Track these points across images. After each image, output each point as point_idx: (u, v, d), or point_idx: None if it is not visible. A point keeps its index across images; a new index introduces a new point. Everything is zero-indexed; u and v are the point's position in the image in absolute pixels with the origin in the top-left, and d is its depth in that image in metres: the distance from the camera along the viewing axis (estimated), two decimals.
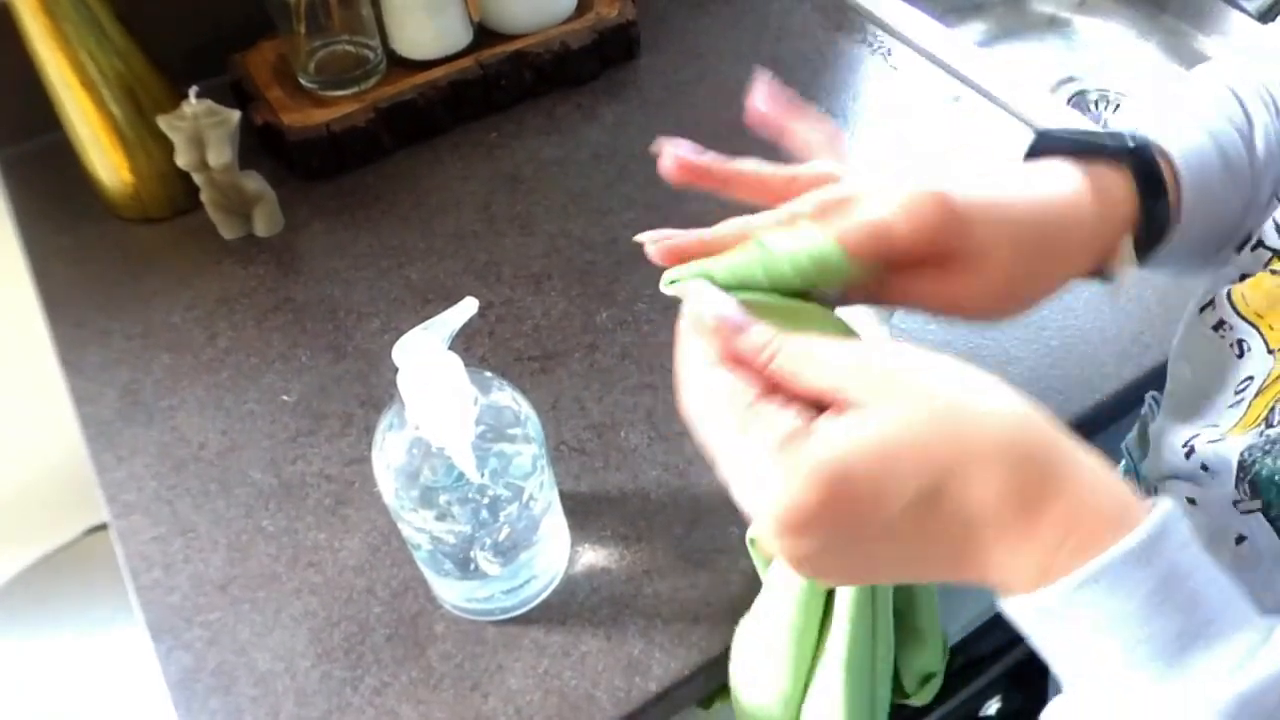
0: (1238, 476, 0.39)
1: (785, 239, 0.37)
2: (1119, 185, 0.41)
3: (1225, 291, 0.46)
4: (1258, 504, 0.38)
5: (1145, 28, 1.14)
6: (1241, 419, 0.43)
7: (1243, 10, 1.05)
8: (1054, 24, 1.18)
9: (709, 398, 0.34)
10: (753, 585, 0.56)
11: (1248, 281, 0.45)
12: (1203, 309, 0.48)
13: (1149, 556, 0.29)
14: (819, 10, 0.98)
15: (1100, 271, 0.43)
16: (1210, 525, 0.43)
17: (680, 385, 0.37)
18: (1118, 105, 1.09)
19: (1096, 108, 1.09)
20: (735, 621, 0.55)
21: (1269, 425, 0.40)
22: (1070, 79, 1.12)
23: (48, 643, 1.13)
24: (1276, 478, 0.37)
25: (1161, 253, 0.44)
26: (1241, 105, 0.46)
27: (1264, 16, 0.97)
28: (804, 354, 0.33)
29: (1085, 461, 0.31)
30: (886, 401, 0.31)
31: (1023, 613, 0.31)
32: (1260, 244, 0.47)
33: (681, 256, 0.40)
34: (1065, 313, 0.70)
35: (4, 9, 0.70)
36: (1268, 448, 0.38)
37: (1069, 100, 1.09)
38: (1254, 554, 0.40)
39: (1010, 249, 0.38)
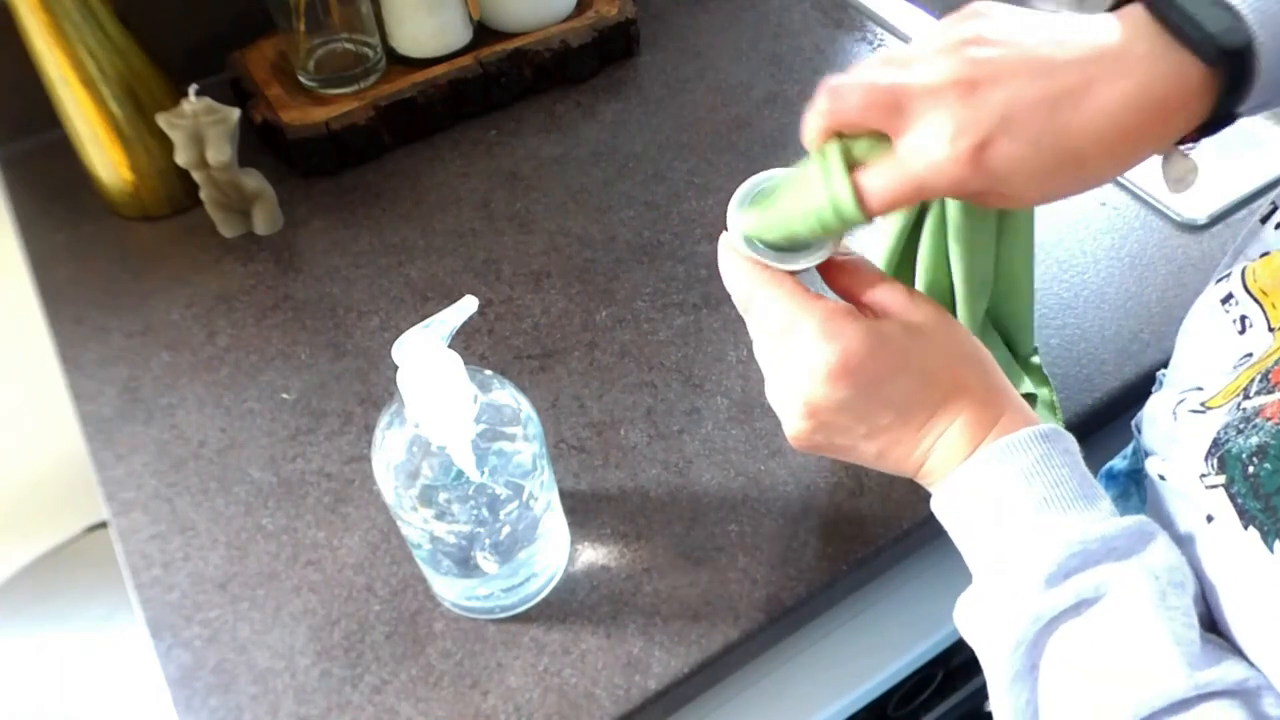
0: (1209, 451, 0.40)
1: (818, 189, 0.42)
2: (1200, 86, 0.38)
3: (1241, 268, 0.47)
4: (1221, 479, 0.38)
5: None
6: (1225, 388, 0.43)
7: None
8: None
9: (777, 285, 0.44)
10: (751, 584, 0.57)
11: (1262, 259, 0.46)
12: (1218, 281, 0.48)
13: (1055, 437, 0.42)
14: (818, 8, 0.98)
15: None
16: (1177, 499, 0.44)
17: (745, 282, 0.45)
18: None
19: None
20: (735, 619, 0.55)
21: (1246, 397, 0.40)
22: None
23: (47, 640, 1.13)
24: (1243, 456, 0.37)
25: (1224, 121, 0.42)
26: None
27: None
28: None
29: (1009, 384, 0.45)
30: (915, 312, 0.44)
31: (972, 473, 0.42)
32: None
33: None
34: (1065, 312, 0.70)
35: (3, 7, 0.70)
36: (1241, 426, 0.39)
37: None
38: (1221, 531, 0.40)
39: (1037, 186, 0.40)
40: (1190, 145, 0.42)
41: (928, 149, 0.39)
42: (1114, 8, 0.41)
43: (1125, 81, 0.37)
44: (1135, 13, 0.39)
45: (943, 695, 0.73)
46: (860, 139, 0.42)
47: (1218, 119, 0.40)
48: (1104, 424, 0.66)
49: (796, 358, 0.43)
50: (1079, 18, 0.40)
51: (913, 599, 0.63)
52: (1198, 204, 0.75)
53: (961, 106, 0.38)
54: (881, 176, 0.41)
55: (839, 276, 0.46)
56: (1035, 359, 0.63)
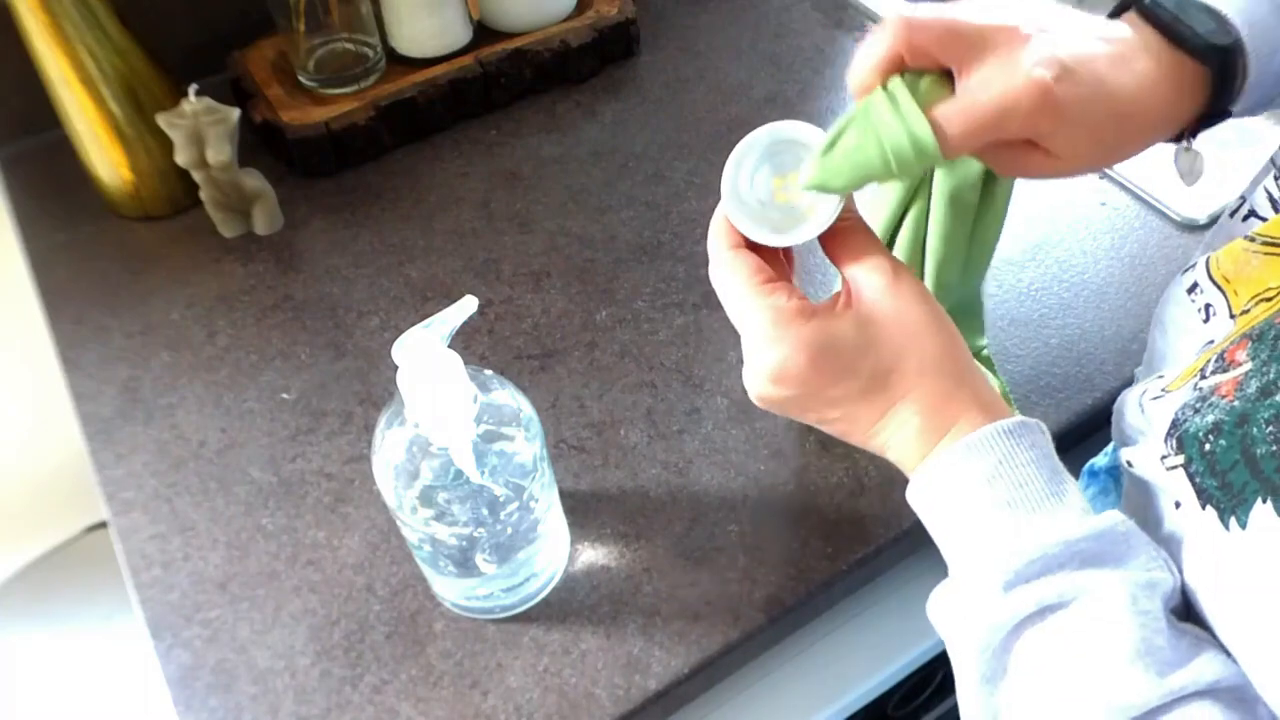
0: (1168, 432, 0.40)
1: (893, 125, 0.41)
2: (1195, 82, 0.43)
3: (1206, 257, 0.47)
4: (1180, 459, 0.39)
5: None
6: (1184, 371, 0.44)
7: None
8: None
9: (733, 272, 0.44)
10: (751, 584, 0.57)
11: (1225, 247, 0.47)
12: (1185, 272, 0.49)
13: (1021, 431, 0.41)
14: (818, 8, 0.98)
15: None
16: (1145, 486, 0.44)
17: (711, 261, 0.45)
18: None
19: None
20: (735, 619, 0.55)
21: (1202, 377, 0.41)
22: None
23: (48, 640, 1.13)
24: (1199, 434, 0.38)
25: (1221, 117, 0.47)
26: None
27: None
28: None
29: (980, 379, 0.43)
30: (876, 305, 0.42)
31: (932, 476, 0.42)
32: (1253, 214, 0.47)
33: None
34: (1065, 311, 0.70)
35: (3, 6, 0.70)
36: (1197, 405, 0.40)
37: None
38: (1188, 515, 0.41)
39: (1088, 141, 0.43)
40: (1190, 138, 0.46)
41: (1006, 79, 0.39)
42: (1113, 14, 0.45)
43: (1147, 62, 0.42)
44: (1133, 18, 0.43)
45: (943, 695, 0.73)
46: (922, 76, 0.41)
47: (1214, 114, 0.44)
48: (1104, 424, 0.66)
49: (746, 348, 0.43)
50: (1093, 19, 0.44)
51: (913, 599, 0.63)
52: (1198, 204, 0.75)
53: (1037, 43, 0.40)
54: (960, 111, 0.40)
55: (830, 240, 0.45)
56: (985, 351, 0.64)
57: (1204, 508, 0.37)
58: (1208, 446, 0.37)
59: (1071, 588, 0.37)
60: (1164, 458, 0.40)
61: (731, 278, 0.43)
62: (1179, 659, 0.36)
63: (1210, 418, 0.38)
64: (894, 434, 0.43)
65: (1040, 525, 0.39)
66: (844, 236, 0.44)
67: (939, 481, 0.42)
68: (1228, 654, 0.37)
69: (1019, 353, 0.67)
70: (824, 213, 0.43)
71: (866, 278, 0.43)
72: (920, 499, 0.43)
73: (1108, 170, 0.79)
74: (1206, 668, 0.36)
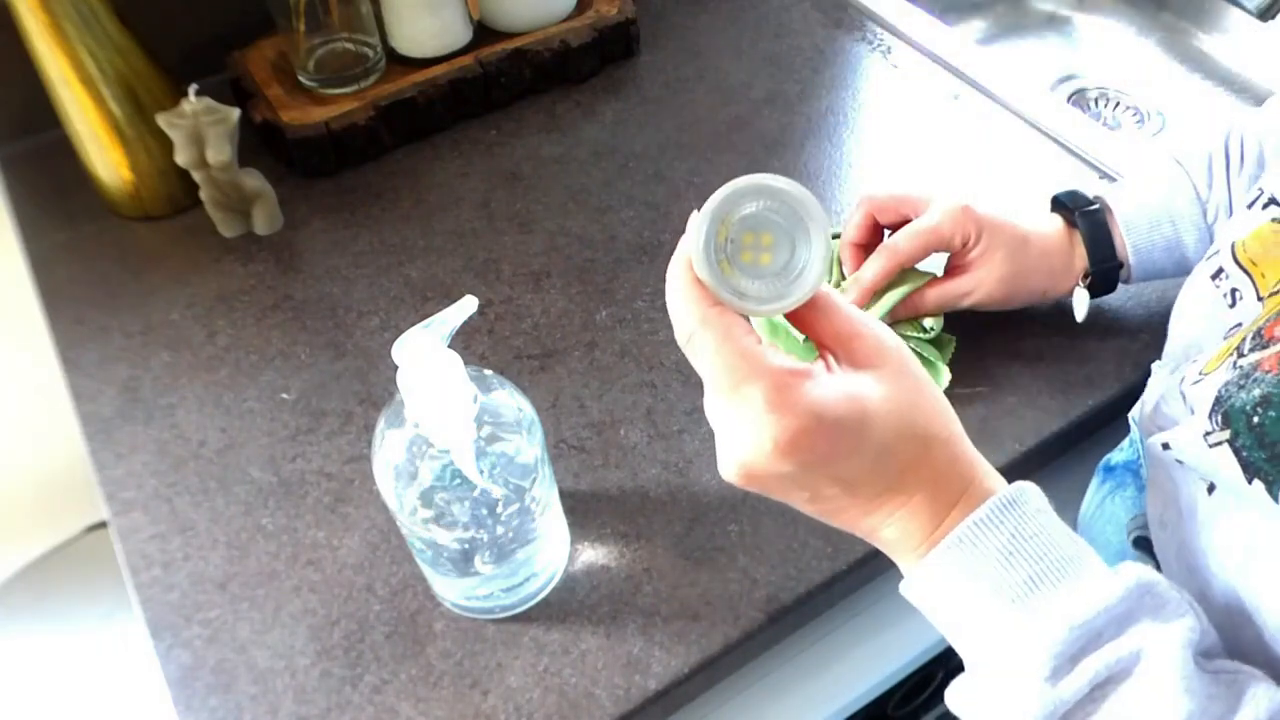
0: (1211, 409, 0.41)
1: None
2: (1079, 245, 0.63)
3: (1230, 242, 0.48)
4: (1226, 434, 0.39)
5: (1145, 25, 1.14)
6: (1218, 352, 0.44)
7: (1242, 8, 1.05)
8: (1054, 22, 1.18)
9: (723, 334, 0.37)
10: (751, 584, 0.57)
11: (1250, 232, 0.47)
12: (1209, 259, 0.50)
13: (1023, 499, 0.38)
14: (818, 8, 0.98)
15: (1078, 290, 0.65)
16: (1179, 471, 0.44)
17: (687, 324, 0.38)
18: (1117, 103, 1.09)
19: (1096, 105, 1.08)
20: (735, 619, 0.55)
21: (1240, 355, 0.42)
22: (1070, 77, 1.12)
23: (47, 640, 1.13)
24: (1246, 409, 0.38)
25: (1122, 286, 0.66)
26: (1192, 183, 0.62)
27: (1263, 14, 0.97)
28: (825, 301, 0.39)
29: (978, 457, 0.40)
30: (879, 373, 0.38)
31: (918, 576, 0.39)
32: (1273, 201, 0.47)
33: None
34: (1066, 311, 0.70)
35: (3, 6, 0.70)
36: (1241, 382, 0.40)
37: (1068, 98, 1.09)
38: (1221, 499, 0.41)
39: (1005, 253, 0.61)
40: (1083, 282, 0.64)
41: (941, 205, 0.62)
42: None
43: (1048, 222, 0.64)
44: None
45: (942, 695, 0.73)
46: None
47: (1103, 277, 0.64)
48: (1104, 423, 0.66)
49: (739, 421, 0.36)
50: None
51: None
52: None
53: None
54: (909, 231, 0.61)
55: (805, 313, 0.39)
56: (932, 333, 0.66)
57: (1250, 482, 0.37)
58: (1255, 419, 0.37)
59: (1115, 657, 0.35)
60: (1207, 434, 0.40)
61: (723, 339, 0.36)
62: (1230, 707, 0.35)
63: (1256, 392, 0.38)
64: (895, 510, 0.39)
65: (1073, 590, 0.37)
66: (823, 310, 0.39)
67: (957, 564, 0.38)
68: (1259, 676, 0.36)
69: (1021, 353, 0.67)
70: (810, 275, 0.37)
71: (857, 350, 0.39)
72: (931, 585, 0.39)
73: (1108, 171, 0.80)
74: (1256, 705, 0.35)
